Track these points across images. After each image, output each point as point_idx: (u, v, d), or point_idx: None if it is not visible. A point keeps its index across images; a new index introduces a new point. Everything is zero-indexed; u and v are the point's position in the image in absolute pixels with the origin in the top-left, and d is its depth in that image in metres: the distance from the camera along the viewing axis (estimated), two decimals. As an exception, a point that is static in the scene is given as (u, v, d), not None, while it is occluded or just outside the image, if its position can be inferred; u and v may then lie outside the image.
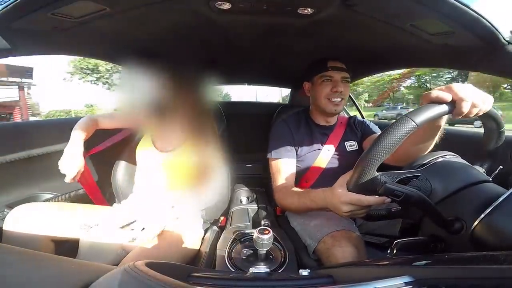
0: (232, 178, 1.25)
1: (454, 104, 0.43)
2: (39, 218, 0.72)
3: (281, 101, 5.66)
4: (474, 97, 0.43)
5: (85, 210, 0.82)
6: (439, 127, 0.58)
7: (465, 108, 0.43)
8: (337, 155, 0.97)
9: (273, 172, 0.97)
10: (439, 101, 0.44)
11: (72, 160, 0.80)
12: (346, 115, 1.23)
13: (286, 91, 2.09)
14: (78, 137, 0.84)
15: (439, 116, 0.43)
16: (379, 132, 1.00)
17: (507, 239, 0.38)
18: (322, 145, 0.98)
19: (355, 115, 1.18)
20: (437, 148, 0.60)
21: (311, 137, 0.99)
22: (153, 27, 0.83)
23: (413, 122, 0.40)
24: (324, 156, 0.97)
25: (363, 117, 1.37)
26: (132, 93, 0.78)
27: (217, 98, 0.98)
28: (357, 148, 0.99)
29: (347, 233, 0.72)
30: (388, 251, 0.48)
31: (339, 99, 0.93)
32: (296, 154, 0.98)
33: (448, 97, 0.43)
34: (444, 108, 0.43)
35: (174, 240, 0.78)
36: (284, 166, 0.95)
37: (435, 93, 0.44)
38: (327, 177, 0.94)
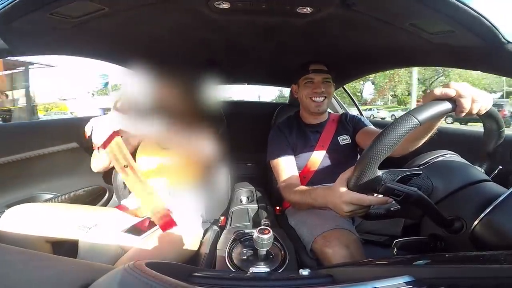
0: (232, 178, 1.25)
1: (455, 102, 0.43)
2: (36, 218, 0.71)
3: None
4: (473, 93, 0.43)
5: (84, 211, 0.82)
6: (434, 126, 0.58)
7: (466, 104, 0.43)
8: (331, 150, 1.01)
9: (275, 172, 1.00)
10: (444, 98, 0.43)
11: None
12: (338, 113, 1.24)
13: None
14: None
15: (442, 114, 0.43)
16: (370, 125, 1.03)
17: (507, 238, 0.38)
18: (315, 142, 1.02)
19: (346, 112, 1.20)
20: (437, 147, 0.60)
21: (304, 137, 1.04)
22: (152, 27, 0.83)
23: (415, 120, 0.40)
24: (319, 152, 1.00)
25: (361, 115, 1.38)
26: (132, 93, 0.78)
27: (218, 98, 0.98)
28: (350, 141, 1.02)
29: (340, 232, 0.72)
30: (394, 251, 0.48)
31: (321, 99, 0.99)
32: (294, 155, 1.01)
33: (451, 92, 0.43)
34: (447, 106, 0.42)
35: (173, 240, 0.78)
36: (284, 164, 0.98)
37: (439, 90, 0.44)
38: (323, 172, 0.98)
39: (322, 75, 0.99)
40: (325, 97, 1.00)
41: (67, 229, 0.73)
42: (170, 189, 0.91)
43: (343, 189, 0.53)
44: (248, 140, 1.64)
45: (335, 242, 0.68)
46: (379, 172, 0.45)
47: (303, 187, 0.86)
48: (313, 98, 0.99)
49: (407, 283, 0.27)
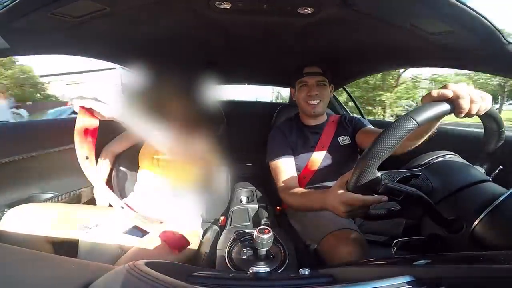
0: (232, 178, 1.25)
1: (453, 103, 0.43)
2: (37, 218, 0.71)
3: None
4: (471, 93, 0.43)
5: (85, 211, 0.82)
6: (433, 127, 0.57)
7: (465, 105, 0.43)
8: (331, 150, 1.01)
9: (274, 173, 1.00)
10: (441, 99, 0.43)
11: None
12: (338, 114, 1.25)
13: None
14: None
15: (440, 115, 0.43)
16: (369, 125, 1.03)
17: (507, 238, 0.38)
18: (315, 143, 1.02)
19: (345, 113, 1.20)
20: (437, 147, 0.60)
21: (304, 138, 1.04)
22: (152, 26, 0.83)
23: (414, 121, 0.40)
24: (319, 153, 1.00)
25: (363, 117, 1.38)
26: (132, 93, 0.78)
27: (219, 98, 0.98)
28: (350, 142, 1.02)
29: (349, 232, 0.72)
30: (394, 251, 0.48)
31: (315, 102, 1.00)
32: (293, 155, 1.01)
33: (449, 93, 0.43)
34: (445, 107, 0.42)
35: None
36: (283, 166, 0.97)
37: (436, 91, 0.44)
38: (324, 172, 0.98)
39: (316, 78, 1.00)
40: (320, 100, 1.00)
41: (68, 229, 0.73)
42: (170, 190, 0.91)
43: (341, 190, 0.54)
44: (248, 140, 1.64)
45: (347, 241, 0.68)
46: (378, 174, 0.45)
47: (302, 190, 0.85)
48: (308, 101, 1.01)
49: (408, 283, 0.27)
